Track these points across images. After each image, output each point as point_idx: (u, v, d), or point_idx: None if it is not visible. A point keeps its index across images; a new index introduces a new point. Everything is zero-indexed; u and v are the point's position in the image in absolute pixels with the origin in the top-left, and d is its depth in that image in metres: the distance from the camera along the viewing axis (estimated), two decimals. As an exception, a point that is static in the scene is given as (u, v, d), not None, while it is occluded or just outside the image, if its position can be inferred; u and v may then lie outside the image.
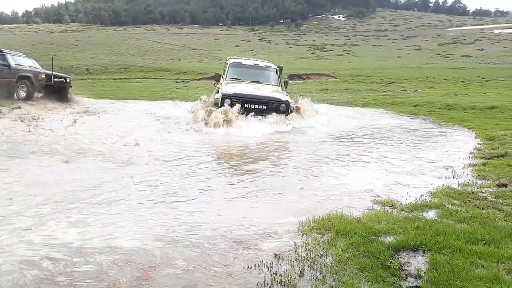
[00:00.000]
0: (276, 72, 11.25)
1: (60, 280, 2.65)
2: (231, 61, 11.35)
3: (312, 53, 68.60)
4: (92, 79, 29.59)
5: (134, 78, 30.66)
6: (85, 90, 17.17)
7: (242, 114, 9.32)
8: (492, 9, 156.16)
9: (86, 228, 3.47)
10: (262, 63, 11.69)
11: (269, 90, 10.26)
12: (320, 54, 66.38)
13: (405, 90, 20.65)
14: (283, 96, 10.12)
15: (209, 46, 68.35)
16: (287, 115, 9.81)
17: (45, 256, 2.93)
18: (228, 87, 9.89)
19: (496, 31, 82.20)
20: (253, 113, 9.49)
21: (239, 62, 11.35)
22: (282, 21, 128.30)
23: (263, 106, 9.62)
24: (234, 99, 9.40)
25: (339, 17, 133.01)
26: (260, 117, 9.46)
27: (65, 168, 5.48)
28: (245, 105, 9.42)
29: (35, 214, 3.75)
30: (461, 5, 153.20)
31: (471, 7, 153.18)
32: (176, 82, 28.17)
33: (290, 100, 10.15)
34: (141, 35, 76.75)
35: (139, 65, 39.77)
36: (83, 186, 4.65)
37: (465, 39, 77.77)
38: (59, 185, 4.66)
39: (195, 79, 31.11)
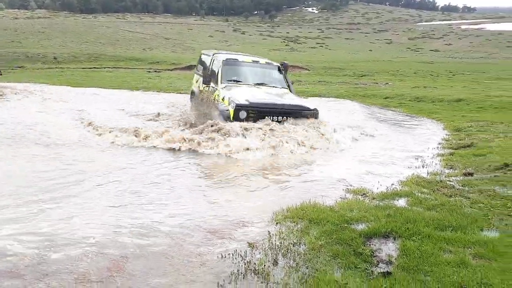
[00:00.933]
0: (279, 70, 9.10)
1: None
2: (222, 57, 8.74)
3: (286, 45, 68.71)
4: (61, 68, 28.57)
5: (104, 68, 29.82)
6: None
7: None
8: (460, 5, 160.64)
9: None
10: (261, 60, 9.45)
11: (287, 96, 8.27)
12: (294, 46, 66.61)
13: (377, 83, 21.01)
14: (308, 103, 8.22)
15: (183, 36, 67.31)
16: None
17: None
18: (237, 94, 7.57)
19: (463, 27, 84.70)
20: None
21: (235, 59, 8.86)
22: (256, 12, 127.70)
23: (288, 117, 7.41)
24: (252, 110, 7.15)
25: (312, 9, 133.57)
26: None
27: None
28: (266, 117, 7.23)
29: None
30: (431, 0, 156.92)
31: (440, 3, 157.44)
32: (149, 72, 27.59)
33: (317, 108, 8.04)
34: (112, 23, 74.71)
35: (109, 54, 38.67)
36: None
37: (434, 34, 79.75)
38: None
39: (168, 69, 30.58)
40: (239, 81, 8.35)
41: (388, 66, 33.27)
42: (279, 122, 7.34)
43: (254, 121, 7.11)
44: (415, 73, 27.64)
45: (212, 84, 8.51)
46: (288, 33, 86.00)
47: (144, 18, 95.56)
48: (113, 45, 49.57)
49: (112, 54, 39.41)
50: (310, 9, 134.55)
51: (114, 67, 30.38)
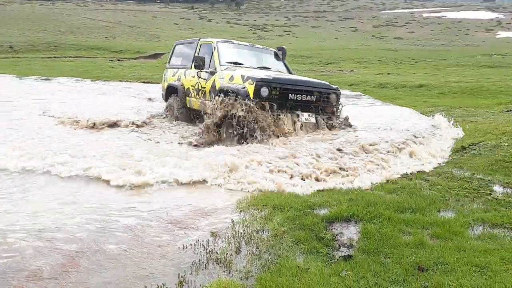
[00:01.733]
0: (276, 55, 8.34)
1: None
2: (213, 40, 7.81)
3: (253, 33, 68.28)
4: (18, 57, 27.25)
5: (65, 57, 28.68)
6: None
7: (278, 112, 6.24)
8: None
9: None
10: (256, 45, 8.76)
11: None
12: (261, 35, 66.31)
13: (342, 70, 21.30)
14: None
15: (146, 24, 65.56)
16: (337, 110, 6.99)
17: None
18: (250, 72, 6.66)
19: (425, 15, 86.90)
20: (298, 110, 6.42)
21: (231, 41, 8.10)
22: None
23: (312, 97, 6.56)
24: (275, 87, 6.21)
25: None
26: (308, 116, 6.49)
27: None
28: (290, 95, 6.34)
29: None
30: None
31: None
32: (111, 61, 26.76)
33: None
34: (72, 11, 71.76)
35: (70, 43, 37.13)
36: None
37: (397, 22, 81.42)
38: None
39: (132, 58, 29.77)
40: (240, 63, 7.34)
41: (353, 54, 33.73)
42: (307, 105, 6.49)
43: (277, 101, 6.22)
44: (379, 60, 28.17)
45: (205, 71, 7.41)
46: (255, 21, 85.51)
47: (105, 5, 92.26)
48: (73, 34, 47.65)
49: (73, 42, 37.89)
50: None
51: (76, 56, 29.28)
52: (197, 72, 7.60)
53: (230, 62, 7.27)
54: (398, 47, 46.68)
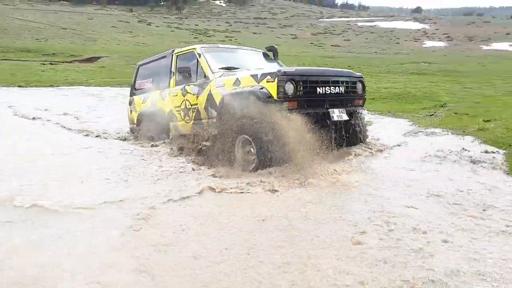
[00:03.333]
0: (265, 56, 7.31)
1: None
2: (199, 46, 6.57)
3: (195, 37, 67.82)
4: None
5: (-11, 60, 26.70)
6: None
7: (307, 111, 5.14)
8: (356, 4, 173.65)
9: None
10: (243, 47, 7.87)
11: None
12: (203, 39, 66.04)
13: (282, 76, 21.88)
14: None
15: (82, 26, 62.68)
16: (364, 103, 6.15)
17: None
18: (260, 70, 5.54)
19: (359, 24, 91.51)
20: (332, 107, 5.42)
21: (216, 45, 7.06)
22: (162, 3, 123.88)
23: (340, 88, 5.55)
24: (301, 81, 5.08)
25: (220, 2, 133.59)
26: (339, 112, 5.48)
27: None
28: (318, 89, 5.27)
29: None
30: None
31: (339, 1, 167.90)
32: (43, 64, 25.29)
33: None
34: (-2, 10, 66.90)
35: (-5, 44, 34.65)
36: None
37: (334, 30, 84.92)
38: None
39: (66, 62, 28.34)
40: (235, 68, 6.18)
41: (293, 61, 34.67)
42: (339, 100, 5.52)
43: (304, 98, 5.09)
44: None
45: (193, 84, 6.17)
46: (197, 25, 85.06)
47: (36, 5, 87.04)
48: (-1, 34, 44.42)
49: (-1, 44, 35.39)
50: (217, 2, 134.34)
51: (2, 59, 27.32)
52: (181, 88, 6.37)
53: (223, 68, 6.13)
54: (335, 54, 48.77)
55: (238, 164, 5.10)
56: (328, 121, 5.35)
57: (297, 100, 5.01)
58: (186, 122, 6.34)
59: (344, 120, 5.55)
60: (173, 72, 6.76)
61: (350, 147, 5.96)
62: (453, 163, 5.48)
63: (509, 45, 54.90)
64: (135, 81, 8.01)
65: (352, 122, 5.91)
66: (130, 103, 7.97)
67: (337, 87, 5.48)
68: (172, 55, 6.91)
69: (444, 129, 7.55)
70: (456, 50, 52.89)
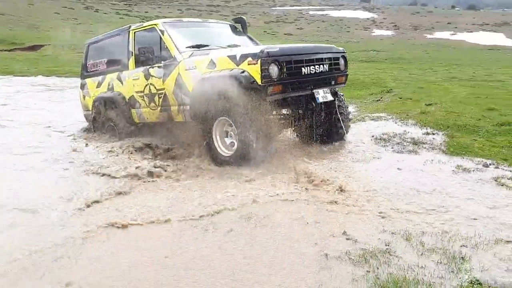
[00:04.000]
0: (235, 29, 6.69)
1: None
2: (161, 21, 5.77)
3: (145, 25, 65.93)
4: None
5: None
6: None
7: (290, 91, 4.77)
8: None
9: None
10: (209, 20, 6.97)
11: None
12: (154, 27, 64.33)
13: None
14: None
15: (22, 12, 58.83)
16: (346, 79, 5.69)
17: None
18: (237, 50, 4.99)
19: (311, 12, 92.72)
20: (316, 87, 5.05)
21: (180, 20, 6.19)
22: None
23: (324, 66, 5.12)
24: (285, 61, 4.63)
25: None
26: (324, 93, 5.11)
27: None
28: (303, 70, 4.83)
29: None
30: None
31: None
32: (-21, 52, 23.64)
33: None
34: None
35: None
36: None
37: (287, 19, 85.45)
38: None
39: (5, 50, 26.63)
40: (204, 45, 5.52)
41: (246, 48, 34.77)
42: (323, 79, 5.08)
43: (289, 80, 4.63)
44: (270, 54, 29.39)
45: (157, 66, 5.48)
46: (146, 12, 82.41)
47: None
48: None
49: None
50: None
51: None
52: (144, 71, 5.67)
53: (191, 46, 5.45)
54: (289, 43, 49.18)
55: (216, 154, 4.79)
56: (313, 103, 5.01)
57: (282, 83, 4.56)
58: (152, 109, 5.70)
59: (329, 101, 5.15)
60: (132, 52, 5.99)
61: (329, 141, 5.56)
62: (397, 145, 5.81)
63: (450, 34, 57.95)
64: (86, 62, 7.15)
65: (336, 103, 5.41)
66: (82, 86, 7.21)
67: (321, 65, 5.04)
68: (129, 32, 6.12)
69: (389, 113, 7.94)
70: (402, 38, 55.12)
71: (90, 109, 6.91)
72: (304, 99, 5.08)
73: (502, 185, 4.15)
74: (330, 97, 5.16)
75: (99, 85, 6.68)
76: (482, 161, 4.98)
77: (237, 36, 6.46)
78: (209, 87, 4.70)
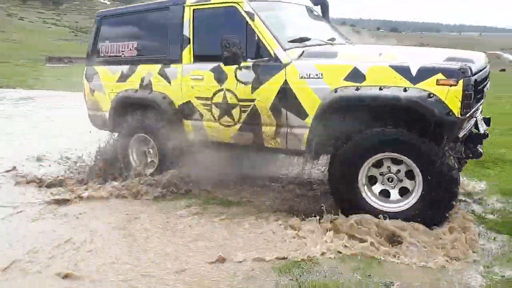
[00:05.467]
0: (311, 13, 4.70)
1: None
2: (245, 1, 3.74)
3: (75, 35, 63.28)
4: None
5: None
6: None
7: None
8: None
9: None
10: None
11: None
12: (84, 38, 61.96)
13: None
14: None
15: None
16: None
17: None
18: (392, 55, 3.27)
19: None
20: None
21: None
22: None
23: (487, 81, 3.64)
24: (475, 79, 2.99)
25: (104, 0, 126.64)
26: (481, 119, 3.90)
27: None
28: (484, 90, 3.53)
29: None
30: None
31: None
32: None
33: None
34: None
35: None
36: None
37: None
38: None
39: None
40: (305, 39, 3.75)
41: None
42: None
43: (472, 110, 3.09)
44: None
45: (244, 66, 3.67)
46: (77, 22, 79.44)
47: None
48: None
49: None
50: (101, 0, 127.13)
51: None
52: (214, 69, 3.86)
53: (294, 40, 3.69)
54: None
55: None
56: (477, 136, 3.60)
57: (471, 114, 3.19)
58: (224, 125, 3.90)
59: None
60: (188, 39, 4.11)
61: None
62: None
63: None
64: (96, 42, 5.05)
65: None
66: (90, 77, 5.02)
67: (487, 80, 3.56)
68: (184, 7, 4.14)
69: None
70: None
71: (103, 109, 4.88)
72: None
73: None
74: (485, 126, 3.78)
75: (123, 78, 4.62)
76: None
77: (323, 25, 4.67)
78: (357, 111, 3.18)
